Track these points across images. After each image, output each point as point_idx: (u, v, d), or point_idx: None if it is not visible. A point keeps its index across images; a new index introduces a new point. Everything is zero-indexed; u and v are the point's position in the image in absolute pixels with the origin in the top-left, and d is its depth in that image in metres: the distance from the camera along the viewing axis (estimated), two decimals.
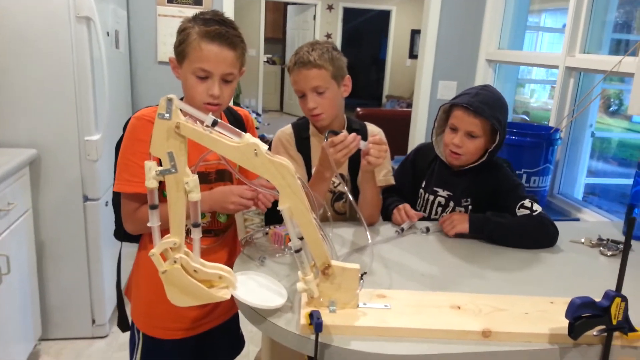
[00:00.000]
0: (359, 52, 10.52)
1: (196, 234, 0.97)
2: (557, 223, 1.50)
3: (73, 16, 2.09)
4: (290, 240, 0.96)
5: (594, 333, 0.93)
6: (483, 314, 1.01)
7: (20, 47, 2.07)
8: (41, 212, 2.24)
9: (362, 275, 1.01)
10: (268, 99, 10.08)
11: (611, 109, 4.62)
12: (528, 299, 1.08)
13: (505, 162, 1.70)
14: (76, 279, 2.34)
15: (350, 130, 1.41)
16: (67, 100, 2.16)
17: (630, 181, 1.71)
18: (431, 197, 1.68)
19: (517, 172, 1.77)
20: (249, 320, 1.04)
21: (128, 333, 1.50)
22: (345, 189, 1.50)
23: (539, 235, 1.46)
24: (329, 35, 9.56)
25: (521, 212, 1.49)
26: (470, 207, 1.62)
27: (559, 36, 2.88)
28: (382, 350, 0.90)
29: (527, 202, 1.49)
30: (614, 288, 0.92)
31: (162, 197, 1.02)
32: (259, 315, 1.00)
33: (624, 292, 0.92)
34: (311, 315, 0.91)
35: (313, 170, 1.49)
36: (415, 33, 9.67)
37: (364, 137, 1.40)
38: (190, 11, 1.33)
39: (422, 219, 1.61)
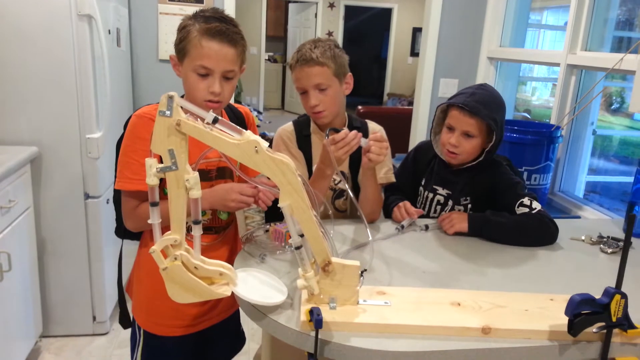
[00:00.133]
0: (360, 50, 10.50)
1: (197, 231, 0.97)
2: (557, 220, 1.49)
3: (74, 14, 2.09)
4: (290, 237, 0.96)
5: (594, 330, 0.93)
6: (483, 310, 1.01)
7: (22, 45, 2.08)
8: (42, 210, 2.25)
9: (362, 272, 1.02)
10: (269, 97, 10.08)
11: (613, 106, 4.61)
12: (528, 296, 1.09)
13: (505, 160, 1.70)
14: (77, 276, 2.34)
15: (351, 128, 1.41)
16: (69, 98, 2.16)
17: (631, 179, 1.71)
18: (430, 195, 1.68)
19: (518, 169, 1.76)
20: (249, 316, 1.04)
21: (129, 330, 1.51)
22: (346, 186, 1.50)
23: (539, 233, 1.47)
24: (330, 33, 9.55)
25: (520, 210, 1.49)
26: (469, 205, 1.62)
27: (561, 34, 2.87)
28: (382, 347, 0.91)
29: (526, 200, 1.49)
30: (614, 285, 0.92)
31: (163, 194, 1.03)
32: (260, 312, 1.00)
33: (623, 289, 0.92)
34: (311, 311, 0.91)
35: (314, 167, 1.49)
36: (416, 31, 9.66)
37: (365, 135, 1.40)
38: (192, 9, 1.33)
39: (422, 216, 1.61)
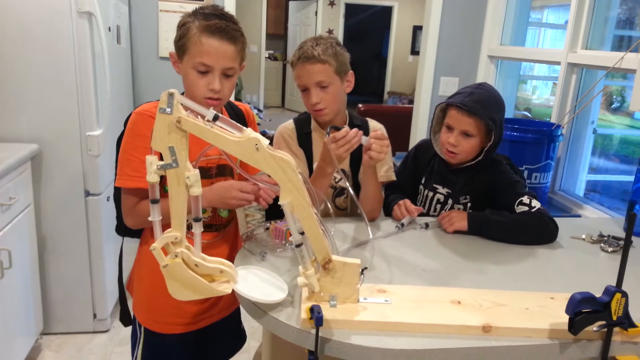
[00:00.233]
0: (361, 48, 10.49)
1: (197, 229, 0.97)
2: (558, 219, 1.49)
3: (75, 11, 2.09)
4: (291, 235, 0.96)
5: (594, 328, 0.93)
6: (483, 309, 1.01)
7: (22, 42, 2.07)
8: (43, 207, 2.25)
9: (362, 270, 1.02)
10: (269, 95, 10.07)
11: (613, 105, 4.61)
12: (528, 295, 1.08)
13: (505, 159, 1.70)
14: (77, 273, 2.34)
15: (352, 126, 1.41)
16: (69, 95, 2.16)
17: (631, 178, 1.71)
18: (431, 194, 1.68)
19: (518, 168, 1.76)
20: (249, 314, 1.04)
21: (129, 328, 1.51)
22: (347, 184, 1.50)
23: (538, 231, 1.47)
24: (330, 32, 9.54)
25: (520, 208, 1.49)
26: (469, 204, 1.62)
27: (561, 32, 2.87)
28: (383, 345, 0.91)
29: (525, 199, 1.49)
30: (614, 284, 0.92)
31: (163, 192, 1.03)
32: (260, 310, 1.00)
33: (624, 287, 0.92)
34: (312, 309, 0.91)
35: (315, 165, 1.49)
36: (417, 29, 9.65)
37: (366, 133, 1.40)
38: (192, 6, 1.33)
39: (422, 215, 1.61)
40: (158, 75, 3.01)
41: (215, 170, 1.37)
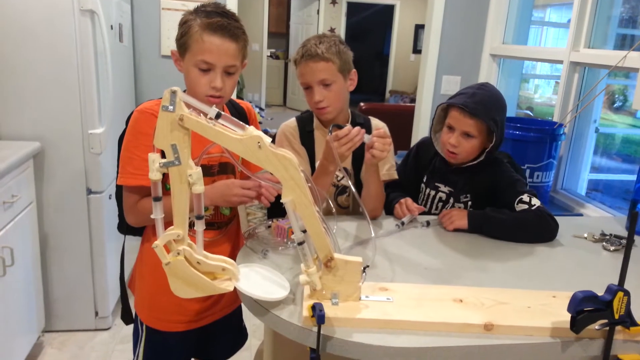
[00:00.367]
0: (363, 46, 10.46)
1: (199, 226, 0.97)
2: (560, 218, 1.49)
3: (77, 9, 2.09)
4: (293, 233, 0.96)
5: (596, 327, 0.93)
6: (485, 307, 1.01)
7: (24, 40, 2.08)
8: (45, 205, 2.25)
9: (364, 268, 1.02)
10: (271, 93, 10.07)
11: (615, 104, 4.60)
12: (530, 293, 1.08)
13: (505, 157, 1.69)
14: (79, 271, 2.35)
15: (354, 124, 1.41)
16: (71, 93, 2.16)
17: (633, 177, 1.71)
18: (432, 193, 1.68)
19: (520, 166, 1.76)
20: (251, 312, 1.05)
21: (131, 326, 1.51)
22: (349, 182, 1.50)
23: (538, 229, 1.47)
24: (332, 30, 9.53)
25: (519, 207, 1.49)
26: (469, 202, 1.62)
27: (564, 31, 2.86)
28: (384, 343, 0.91)
29: (525, 197, 1.49)
30: (616, 283, 0.92)
31: (165, 189, 1.03)
32: (262, 307, 1.00)
33: (626, 286, 0.92)
34: (314, 307, 0.91)
35: (317, 164, 1.49)
36: (419, 28, 9.63)
37: (368, 131, 1.40)
38: (194, 4, 1.33)
39: (423, 213, 1.61)
40: (160, 73, 3.01)
41: (217, 168, 1.37)
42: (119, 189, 1.35)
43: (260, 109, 8.90)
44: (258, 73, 9.33)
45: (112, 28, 2.41)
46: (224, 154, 1.06)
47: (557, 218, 1.49)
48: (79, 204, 2.28)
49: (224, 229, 1.45)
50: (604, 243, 1.47)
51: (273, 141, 0.95)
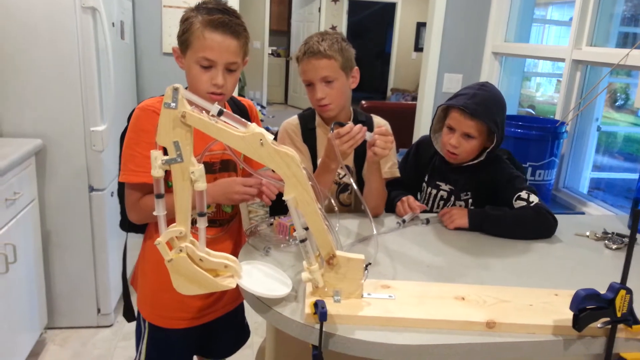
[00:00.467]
0: (364, 44, 10.45)
1: (202, 224, 0.97)
2: (562, 216, 1.49)
3: (79, 6, 2.09)
4: (295, 230, 0.96)
5: (598, 325, 0.93)
6: (487, 305, 1.01)
7: (26, 38, 2.08)
8: (47, 202, 2.25)
9: (366, 265, 1.02)
10: (272, 91, 10.07)
11: (617, 103, 4.59)
12: (532, 291, 1.08)
13: (505, 153, 1.69)
14: (82, 268, 2.35)
15: (356, 122, 1.41)
16: (73, 90, 2.16)
17: (635, 176, 1.70)
18: (434, 191, 1.68)
19: (520, 163, 1.76)
20: (253, 309, 1.05)
21: (133, 322, 1.51)
22: (351, 180, 1.50)
23: (536, 226, 1.47)
24: (334, 28, 9.52)
25: (518, 203, 1.49)
26: (470, 200, 1.62)
27: (566, 29, 2.86)
28: (386, 340, 0.91)
29: (523, 194, 1.49)
30: (618, 281, 0.92)
31: (167, 187, 1.03)
32: (264, 305, 1.01)
33: (628, 285, 0.92)
34: (316, 304, 0.91)
35: (319, 161, 1.49)
36: (420, 26, 9.61)
37: (370, 129, 1.40)
38: (195, 1, 1.33)
39: (425, 211, 1.61)
40: (161, 70, 3.01)
41: (219, 165, 1.37)
42: (121, 187, 1.35)
43: (262, 106, 8.90)
44: (259, 71, 9.33)
45: (113, 25, 2.41)
46: (226, 151, 1.06)
47: (559, 216, 1.49)
48: (81, 201, 2.28)
49: (226, 227, 1.45)
50: (606, 241, 1.47)
51: (275, 139, 0.94)
